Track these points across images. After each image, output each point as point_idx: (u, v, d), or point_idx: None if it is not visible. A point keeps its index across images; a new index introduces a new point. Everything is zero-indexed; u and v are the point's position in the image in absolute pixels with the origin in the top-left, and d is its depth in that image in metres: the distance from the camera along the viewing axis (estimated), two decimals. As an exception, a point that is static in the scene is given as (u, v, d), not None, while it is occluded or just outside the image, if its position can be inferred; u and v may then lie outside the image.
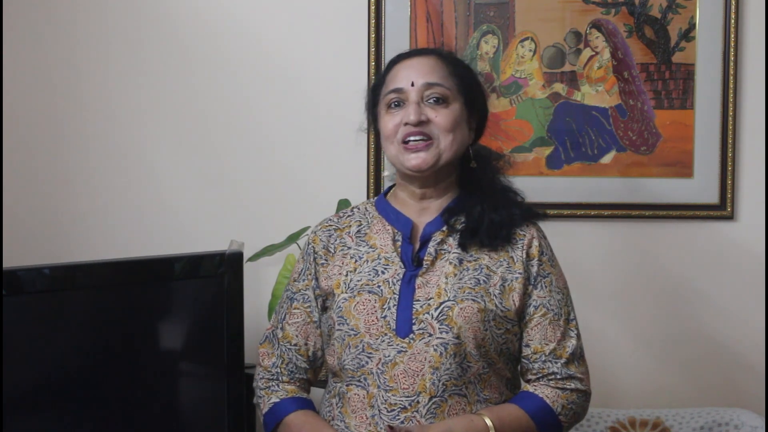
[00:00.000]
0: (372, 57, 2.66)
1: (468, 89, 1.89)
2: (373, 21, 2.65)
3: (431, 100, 1.84)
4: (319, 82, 2.71)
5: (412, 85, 1.84)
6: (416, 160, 1.83)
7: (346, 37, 2.69)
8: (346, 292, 1.84)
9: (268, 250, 2.57)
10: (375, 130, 1.97)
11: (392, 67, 1.90)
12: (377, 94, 1.91)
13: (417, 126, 1.82)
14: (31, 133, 2.74)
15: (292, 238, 2.54)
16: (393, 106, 1.86)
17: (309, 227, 2.44)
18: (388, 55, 2.62)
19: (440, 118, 1.84)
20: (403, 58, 1.90)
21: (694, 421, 2.49)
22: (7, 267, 1.99)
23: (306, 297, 1.93)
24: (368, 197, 2.66)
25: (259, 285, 2.63)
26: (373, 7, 2.65)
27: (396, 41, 2.65)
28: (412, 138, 1.83)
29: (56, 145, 2.74)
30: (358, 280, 1.85)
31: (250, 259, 2.53)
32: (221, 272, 2.18)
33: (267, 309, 2.52)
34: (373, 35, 2.66)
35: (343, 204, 2.54)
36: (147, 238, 2.71)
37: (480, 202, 1.87)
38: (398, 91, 1.85)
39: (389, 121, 1.86)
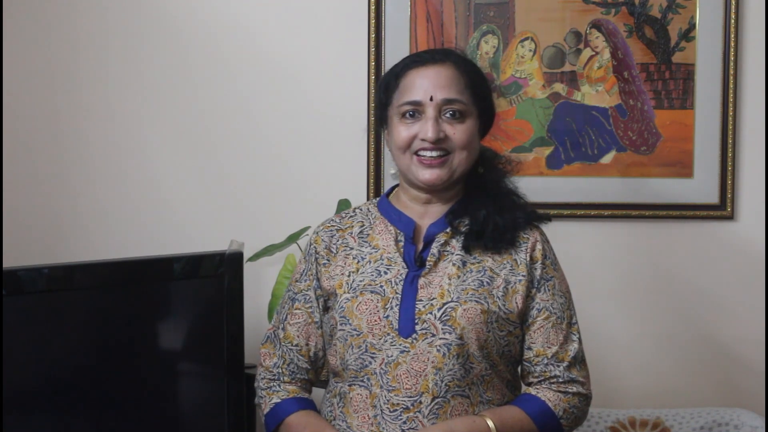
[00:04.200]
0: (372, 57, 2.66)
1: (482, 100, 1.88)
2: (373, 21, 2.65)
3: (448, 115, 1.83)
4: (319, 82, 2.71)
5: (431, 99, 1.82)
6: (430, 175, 1.83)
7: (346, 37, 2.69)
8: (348, 293, 1.84)
9: (268, 250, 2.56)
10: (380, 128, 1.96)
11: (407, 72, 1.87)
12: (389, 97, 1.89)
13: (434, 143, 1.82)
14: (31, 133, 2.73)
15: (292, 238, 2.54)
16: (408, 116, 1.84)
17: (309, 227, 2.44)
18: (388, 55, 2.63)
19: (458, 134, 1.83)
20: (419, 65, 1.86)
21: (694, 421, 2.49)
22: (7, 267, 1.99)
23: (307, 297, 1.93)
24: (368, 197, 2.66)
25: (259, 285, 2.63)
26: (373, 7, 2.65)
27: (396, 41, 2.65)
28: (427, 153, 1.83)
29: (56, 145, 2.74)
30: (361, 281, 1.84)
31: (250, 259, 2.53)
32: (221, 272, 2.18)
33: (267, 309, 2.52)
34: (373, 35, 2.66)
35: (343, 204, 2.54)
36: (147, 238, 2.71)
37: (485, 205, 1.87)
38: (415, 103, 1.83)
39: (403, 131, 1.84)
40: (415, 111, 1.84)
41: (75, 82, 2.73)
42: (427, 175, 1.83)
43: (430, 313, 1.78)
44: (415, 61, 1.89)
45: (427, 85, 1.83)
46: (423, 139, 1.82)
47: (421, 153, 1.83)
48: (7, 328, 1.93)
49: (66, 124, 2.74)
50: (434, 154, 1.82)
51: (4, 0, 2.64)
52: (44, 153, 2.74)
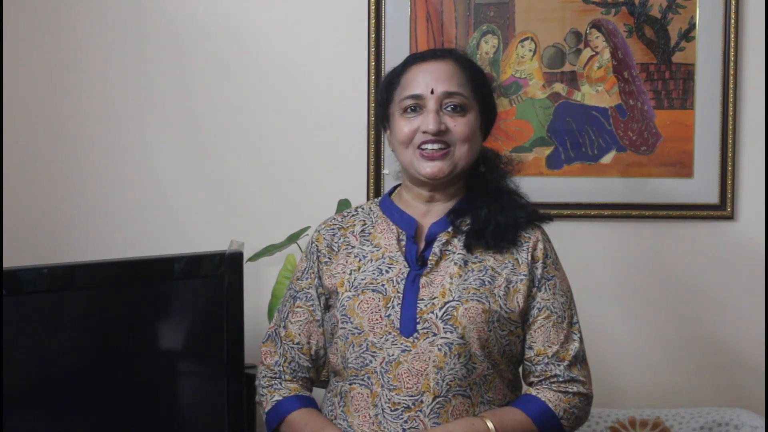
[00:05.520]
0: (372, 57, 2.66)
1: (483, 96, 1.89)
2: (373, 21, 2.65)
3: (449, 108, 1.84)
4: (319, 82, 2.71)
5: (432, 92, 1.83)
6: (432, 168, 1.83)
7: (346, 37, 2.69)
8: (349, 291, 1.84)
9: (268, 250, 2.57)
10: (380, 128, 1.96)
11: (408, 69, 1.88)
12: (391, 94, 1.90)
13: (435, 135, 1.82)
14: (31, 133, 2.73)
15: (292, 238, 2.54)
16: (409, 110, 1.85)
17: (309, 227, 2.44)
18: (388, 55, 2.63)
19: (459, 127, 1.83)
20: (420, 61, 1.88)
21: (694, 421, 2.49)
22: (7, 267, 1.99)
23: (309, 295, 1.93)
24: (368, 197, 2.66)
25: (259, 285, 2.63)
26: (373, 7, 2.65)
27: (396, 41, 2.65)
28: (429, 146, 1.83)
29: (56, 145, 2.74)
30: (362, 279, 1.85)
31: (250, 259, 2.53)
32: (221, 272, 2.18)
33: (267, 309, 2.52)
34: (373, 35, 2.66)
35: (343, 204, 2.54)
36: (147, 238, 2.71)
37: (486, 205, 1.87)
38: (416, 97, 1.84)
39: (405, 126, 1.85)
40: (417, 105, 1.84)
41: (75, 82, 2.73)
42: (428, 168, 1.83)
43: (432, 312, 1.78)
44: (416, 58, 1.91)
45: (428, 79, 1.84)
46: (424, 131, 1.82)
47: (423, 146, 1.83)
48: (7, 328, 1.93)
49: (66, 124, 2.74)
50: (435, 146, 1.83)
51: (4, 0, 2.64)
52: (44, 153, 2.74)
